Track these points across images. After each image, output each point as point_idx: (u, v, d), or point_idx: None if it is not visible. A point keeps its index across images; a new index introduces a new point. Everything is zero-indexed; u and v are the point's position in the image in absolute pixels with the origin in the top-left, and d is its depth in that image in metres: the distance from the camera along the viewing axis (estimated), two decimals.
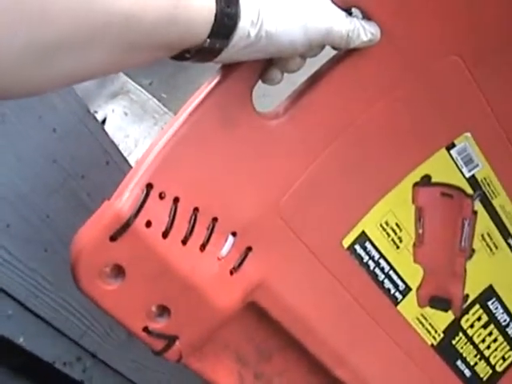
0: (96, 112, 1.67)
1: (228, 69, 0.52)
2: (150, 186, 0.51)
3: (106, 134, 1.00)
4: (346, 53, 0.55)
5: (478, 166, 0.68)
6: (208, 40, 0.45)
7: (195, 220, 0.53)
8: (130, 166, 1.03)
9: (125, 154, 1.06)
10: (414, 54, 0.59)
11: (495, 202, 0.70)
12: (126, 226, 0.50)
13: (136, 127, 1.68)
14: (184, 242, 0.53)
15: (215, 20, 0.44)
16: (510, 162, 0.70)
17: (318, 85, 0.56)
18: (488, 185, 0.69)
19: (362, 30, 0.53)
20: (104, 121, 1.70)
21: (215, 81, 0.53)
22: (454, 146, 0.66)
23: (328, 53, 0.56)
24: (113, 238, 0.50)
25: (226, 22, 0.45)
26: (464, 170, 0.67)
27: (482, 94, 0.64)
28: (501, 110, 0.66)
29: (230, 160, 0.54)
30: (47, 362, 0.90)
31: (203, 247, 0.54)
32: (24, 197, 0.82)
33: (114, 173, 0.98)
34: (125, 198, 0.50)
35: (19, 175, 0.81)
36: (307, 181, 0.58)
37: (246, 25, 0.45)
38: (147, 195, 0.51)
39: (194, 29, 0.44)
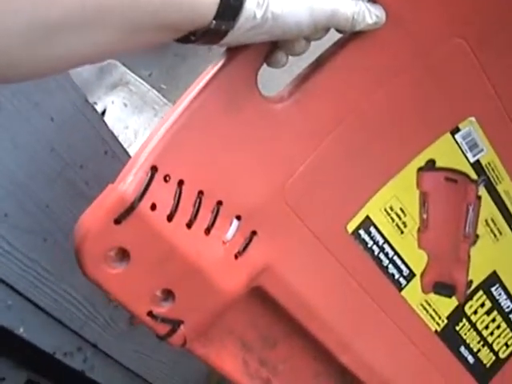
0: (95, 103, 1.67)
1: (233, 52, 0.52)
2: (154, 169, 0.50)
3: (105, 123, 0.99)
4: (351, 36, 0.55)
5: (482, 150, 0.67)
6: (214, 21, 0.44)
7: (200, 203, 0.53)
8: (129, 157, 1.02)
9: (124, 146, 1.05)
10: (419, 36, 0.58)
11: (499, 188, 0.70)
12: (131, 209, 0.49)
13: (136, 118, 1.67)
14: (189, 225, 0.52)
15: (221, 1, 0.44)
16: None
17: (322, 68, 0.56)
18: (492, 170, 0.69)
19: (367, 13, 0.52)
20: (104, 112, 1.69)
21: (220, 64, 0.52)
22: (458, 130, 0.65)
23: (332, 37, 0.55)
24: (117, 222, 0.49)
25: (231, 3, 0.44)
26: (468, 154, 0.67)
27: (487, 77, 0.63)
28: (506, 94, 0.65)
29: (234, 143, 0.54)
30: (47, 352, 0.89)
31: (208, 231, 0.54)
32: (22, 186, 0.81)
33: (112, 162, 0.97)
34: (129, 181, 0.50)
35: (16, 163, 0.80)
36: (312, 165, 0.58)
37: (252, 6, 0.45)
38: (152, 178, 0.50)
39: (200, 10, 0.43)
